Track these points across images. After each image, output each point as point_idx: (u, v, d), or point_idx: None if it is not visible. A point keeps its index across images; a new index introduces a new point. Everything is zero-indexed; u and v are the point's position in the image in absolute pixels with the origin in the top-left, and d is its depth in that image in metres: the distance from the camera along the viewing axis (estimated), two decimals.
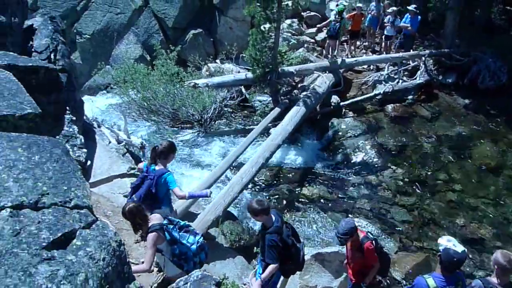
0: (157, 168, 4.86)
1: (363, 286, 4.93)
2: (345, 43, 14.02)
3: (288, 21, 14.58)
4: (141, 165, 5.28)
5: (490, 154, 10.17)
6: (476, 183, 9.42)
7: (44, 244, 2.22)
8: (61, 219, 2.42)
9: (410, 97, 12.05)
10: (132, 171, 7.11)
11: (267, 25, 10.30)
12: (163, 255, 4.07)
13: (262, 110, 11.45)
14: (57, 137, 4.23)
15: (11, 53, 4.22)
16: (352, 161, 10.09)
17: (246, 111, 11.98)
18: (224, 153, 10.01)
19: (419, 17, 12.19)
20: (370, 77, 12.65)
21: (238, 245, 6.84)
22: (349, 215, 8.41)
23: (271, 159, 9.03)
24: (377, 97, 11.99)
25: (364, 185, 9.36)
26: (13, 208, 2.33)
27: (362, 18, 13.33)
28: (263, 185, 9.35)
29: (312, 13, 15.73)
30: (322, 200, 8.91)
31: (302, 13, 15.73)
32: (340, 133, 10.81)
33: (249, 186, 8.58)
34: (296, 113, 9.92)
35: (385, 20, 12.82)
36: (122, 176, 6.98)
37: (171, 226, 4.04)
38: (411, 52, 12.71)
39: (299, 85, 12.29)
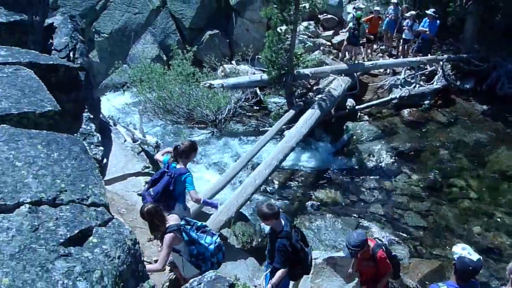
0: (178, 166, 4.90)
1: None
2: (361, 46, 13.93)
3: (305, 23, 14.56)
4: (161, 157, 5.31)
5: (508, 162, 9.96)
6: (492, 191, 9.23)
7: (61, 240, 2.24)
8: (78, 216, 2.44)
9: (426, 102, 11.89)
10: (146, 170, 7.17)
11: (284, 27, 10.29)
12: (181, 255, 4.09)
13: (277, 112, 11.44)
14: (75, 134, 4.28)
15: (32, 51, 4.30)
16: (366, 166, 10.00)
17: (260, 113, 11.98)
18: (238, 153, 10.02)
19: (438, 21, 12.02)
20: (386, 81, 12.54)
21: (250, 246, 6.84)
22: (363, 219, 8.35)
23: (285, 162, 9.01)
24: (393, 101, 11.87)
25: (378, 189, 9.27)
26: (32, 204, 2.36)
27: (380, 22, 13.22)
28: (276, 187, 9.33)
29: (329, 16, 15.66)
30: (335, 204, 8.85)
31: (319, 16, 15.68)
32: (355, 137, 10.73)
33: (262, 188, 8.56)
34: (310, 115, 9.88)
35: (404, 24, 12.70)
36: (136, 174, 7.04)
37: (189, 227, 4.07)
38: (429, 56, 12.55)
39: (314, 88, 12.24)
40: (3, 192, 2.35)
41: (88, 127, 5.49)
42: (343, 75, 11.82)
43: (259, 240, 7.05)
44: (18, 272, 1.99)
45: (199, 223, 4.29)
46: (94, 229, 2.44)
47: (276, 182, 9.44)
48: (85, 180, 2.73)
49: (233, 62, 13.66)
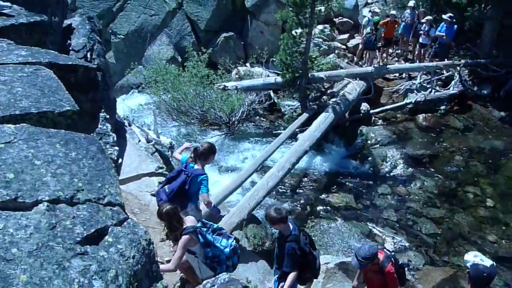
0: (195, 167, 4.92)
1: None
2: (377, 50, 13.83)
3: (320, 27, 14.50)
4: (179, 155, 5.32)
5: None
6: (508, 199, 9.06)
7: (78, 239, 2.26)
8: (95, 215, 2.47)
9: (442, 107, 11.74)
10: (160, 170, 7.22)
11: (299, 30, 10.29)
12: (196, 257, 4.11)
13: (290, 115, 11.42)
14: (92, 134, 4.33)
15: (52, 51, 4.35)
16: (380, 170, 9.91)
17: (274, 115, 11.98)
18: (250, 156, 10.03)
19: (455, 26, 11.87)
20: (401, 86, 12.42)
21: (261, 249, 6.82)
22: (375, 225, 8.27)
23: (298, 165, 8.98)
24: (408, 106, 11.75)
25: (392, 195, 9.18)
26: (50, 202, 2.39)
27: (396, 26, 13.12)
28: (288, 190, 9.31)
29: (345, 19, 15.58)
30: (348, 209, 8.79)
31: (334, 19, 15.60)
32: (369, 141, 10.65)
33: (274, 191, 8.55)
34: (324, 119, 9.84)
35: (421, 28, 12.57)
36: (150, 174, 7.10)
37: (205, 229, 4.08)
38: (446, 61, 12.40)
39: (329, 91, 12.20)
40: (22, 190, 2.38)
41: (104, 127, 5.54)
42: (357, 79, 11.75)
43: (271, 243, 7.03)
44: (36, 269, 2.01)
45: (215, 226, 4.30)
46: (110, 229, 2.46)
47: (289, 185, 9.41)
48: (101, 180, 2.75)
49: (248, 64, 13.70)
